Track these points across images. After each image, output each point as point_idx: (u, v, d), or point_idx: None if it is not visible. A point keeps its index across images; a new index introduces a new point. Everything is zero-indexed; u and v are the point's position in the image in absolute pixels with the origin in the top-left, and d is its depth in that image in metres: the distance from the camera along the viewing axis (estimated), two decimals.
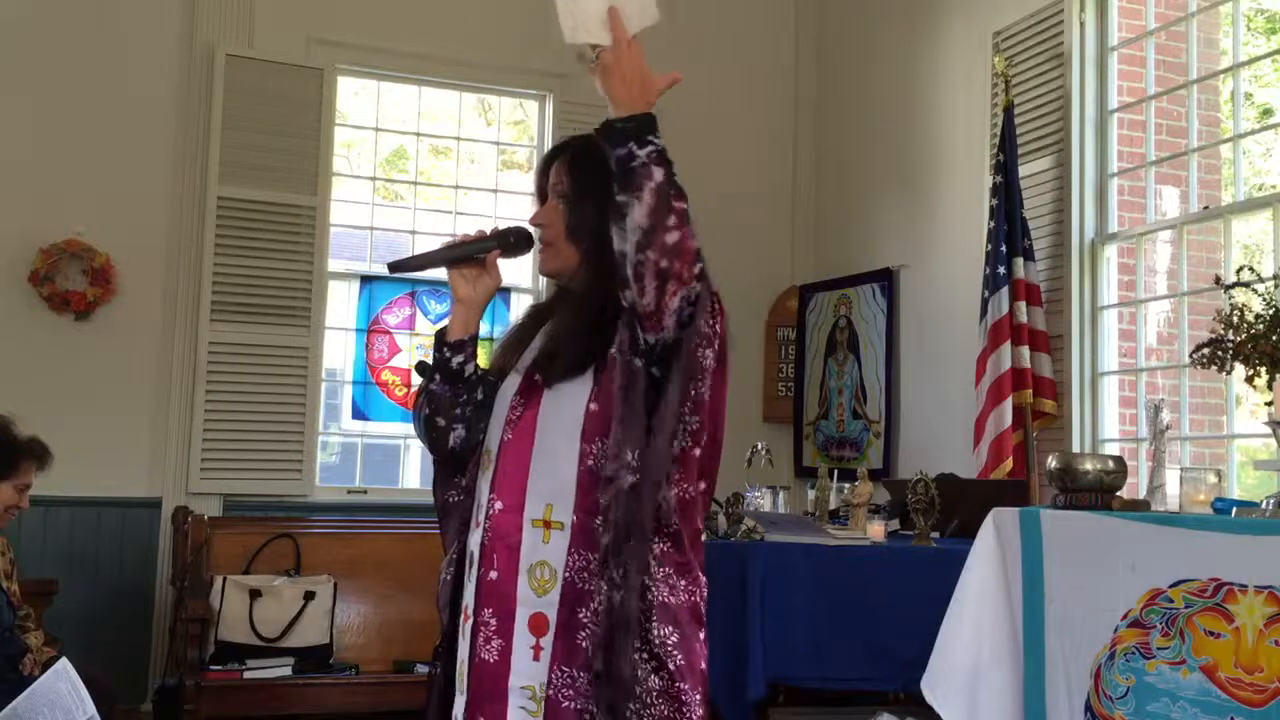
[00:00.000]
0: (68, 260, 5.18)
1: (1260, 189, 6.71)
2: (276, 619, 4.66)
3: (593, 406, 1.90)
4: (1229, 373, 3.51)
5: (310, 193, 5.55)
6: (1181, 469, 3.51)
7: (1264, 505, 2.92)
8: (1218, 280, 3.75)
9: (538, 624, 1.87)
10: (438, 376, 2.06)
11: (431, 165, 7.09)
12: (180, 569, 4.82)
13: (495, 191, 6.26)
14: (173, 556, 5.03)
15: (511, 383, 2.02)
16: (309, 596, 4.74)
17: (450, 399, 2.04)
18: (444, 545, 2.10)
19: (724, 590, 3.81)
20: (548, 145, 6.00)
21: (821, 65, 6.53)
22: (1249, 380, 3.41)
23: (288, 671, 4.58)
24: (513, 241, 2.05)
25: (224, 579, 4.70)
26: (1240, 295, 3.49)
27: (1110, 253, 4.81)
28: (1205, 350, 3.46)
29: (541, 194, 2.08)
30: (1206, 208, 4.52)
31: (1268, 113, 7.90)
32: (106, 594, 5.15)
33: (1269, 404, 3.33)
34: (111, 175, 5.31)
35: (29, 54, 5.25)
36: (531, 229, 2.07)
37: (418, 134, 6.17)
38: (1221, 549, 2.59)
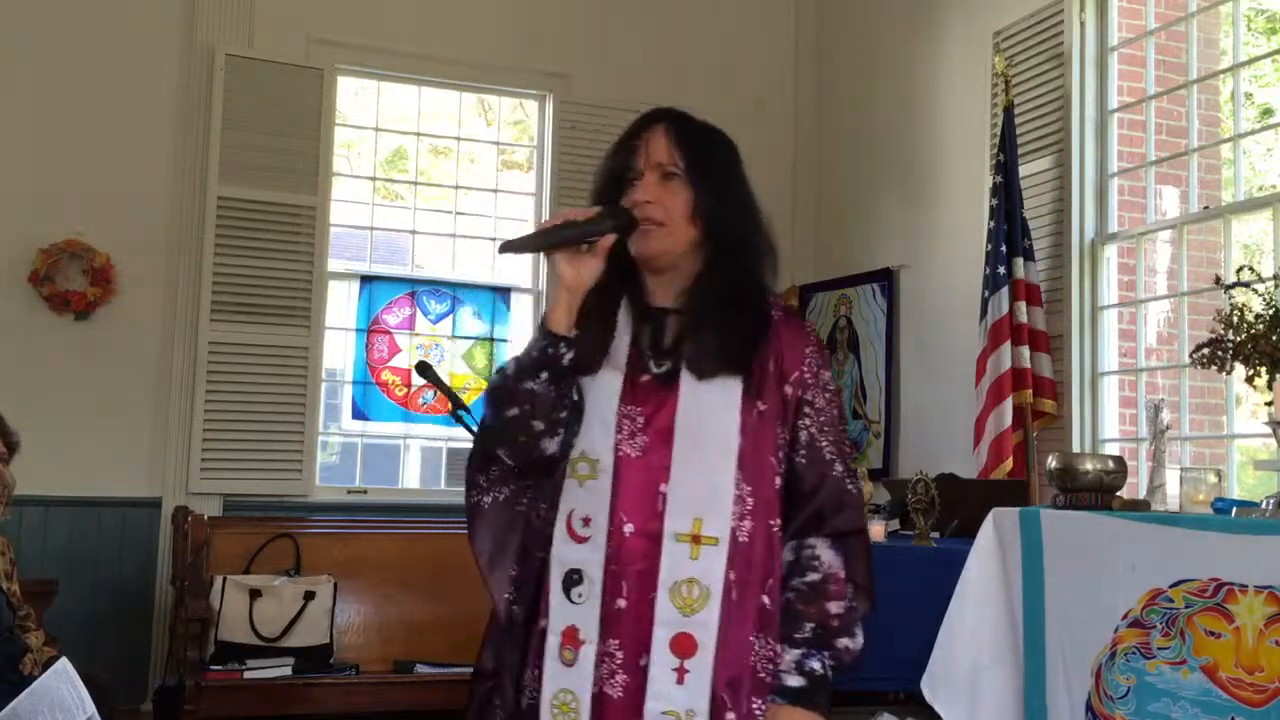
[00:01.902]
0: (68, 260, 5.18)
1: (1260, 189, 6.71)
2: (276, 619, 4.66)
3: (755, 407, 1.82)
4: (1229, 373, 3.51)
5: (310, 193, 5.55)
6: (1181, 469, 3.51)
7: (1264, 505, 2.92)
8: (1218, 280, 3.75)
9: (683, 645, 1.75)
10: (545, 375, 1.81)
11: (431, 165, 7.09)
12: (180, 569, 4.81)
13: (495, 191, 6.26)
14: (173, 556, 5.02)
15: (609, 382, 1.84)
16: (309, 596, 4.73)
17: (555, 400, 1.81)
18: (476, 549, 1.92)
19: None
20: (548, 145, 6.03)
21: (821, 65, 6.53)
22: (1249, 380, 3.41)
23: (288, 671, 4.58)
24: (625, 224, 1.85)
25: (224, 579, 4.69)
26: (1240, 295, 3.49)
27: (1110, 253, 4.81)
28: (1205, 350, 3.46)
29: (623, 171, 1.89)
30: (1206, 208, 4.52)
31: (1268, 113, 7.90)
32: (106, 594, 5.15)
33: (1269, 404, 3.33)
34: (111, 175, 5.31)
35: (29, 54, 5.25)
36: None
37: (418, 134, 6.17)
38: (1221, 549, 2.59)
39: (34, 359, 5.13)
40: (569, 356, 1.81)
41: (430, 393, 5.57)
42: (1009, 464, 4.59)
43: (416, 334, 5.91)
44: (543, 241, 1.82)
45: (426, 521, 5.47)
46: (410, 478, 6.41)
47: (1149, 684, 2.68)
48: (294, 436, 5.47)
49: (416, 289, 5.94)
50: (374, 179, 6.30)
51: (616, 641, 1.76)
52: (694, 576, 1.76)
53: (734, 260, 1.88)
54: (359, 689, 4.71)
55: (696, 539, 1.76)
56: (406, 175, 6.86)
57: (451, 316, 5.97)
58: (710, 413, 1.80)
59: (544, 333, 1.82)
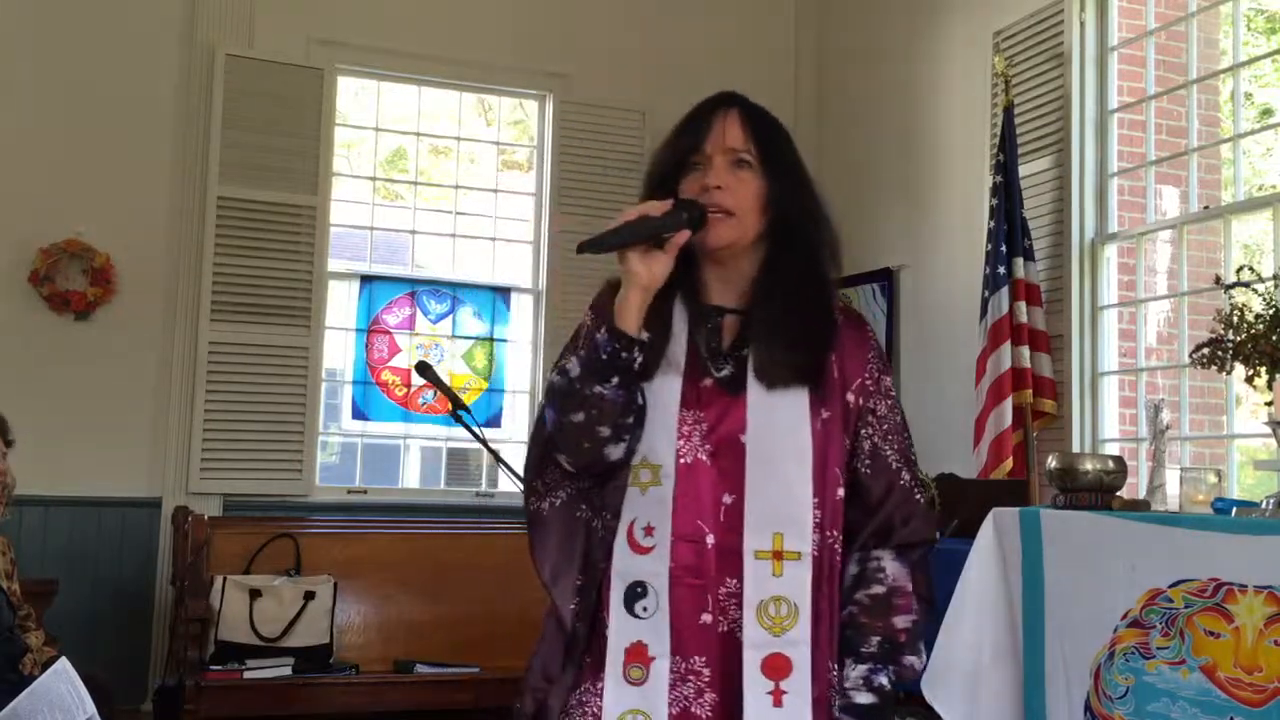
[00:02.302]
0: (68, 260, 5.18)
1: (1260, 189, 6.71)
2: (276, 619, 4.66)
3: (820, 415, 1.75)
4: (1229, 373, 3.51)
5: (310, 193, 5.55)
6: (1181, 469, 3.51)
7: (1264, 505, 2.92)
8: (1218, 280, 3.75)
9: (776, 666, 1.68)
10: (615, 379, 1.70)
11: (431, 165, 7.10)
12: (180, 569, 4.81)
13: (495, 191, 6.26)
14: (173, 556, 5.02)
15: (670, 385, 1.75)
16: (309, 596, 4.73)
17: (623, 404, 1.71)
18: (538, 560, 1.83)
19: None
20: (548, 145, 6.03)
21: (822, 65, 6.53)
22: (1249, 380, 3.41)
23: (288, 671, 4.58)
24: (700, 218, 1.75)
25: (224, 579, 4.69)
26: (1240, 295, 3.49)
27: (1110, 253, 4.81)
28: (1205, 350, 3.46)
29: (687, 154, 1.80)
30: (1206, 208, 4.52)
31: (1268, 113, 7.91)
32: (106, 594, 5.15)
33: (1269, 404, 3.33)
34: (111, 175, 5.31)
35: (29, 54, 5.25)
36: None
37: (418, 134, 6.17)
38: (1221, 549, 2.59)
39: (34, 359, 5.13)
40: (639, 359, 1.71)
41: (430, 393, 5.57)
42: (1009, 464, 4.59)
43: (416, 334, 5.90)
44: (622, 238, 1.70)
45: (426, 521, 5.47)
46: (410, 478, 6.41)
47: (1148, 684, 2.68)
48: (294, 436, 5.47)
49: (416, 289, 5.94)
50: (374, 179, 6.30)
51: (703, 658, 1.69)
52: (780, 594, 1.69)
53: (802, 258, 1.80)
54: (359, 689, 4.71)
55: (779, 555, 1.69)
56: (406, 175, 6.86)
57: (451, 316, 5.97)
58: (782, 424, 1.73)
59: (615, 334, 1.69)
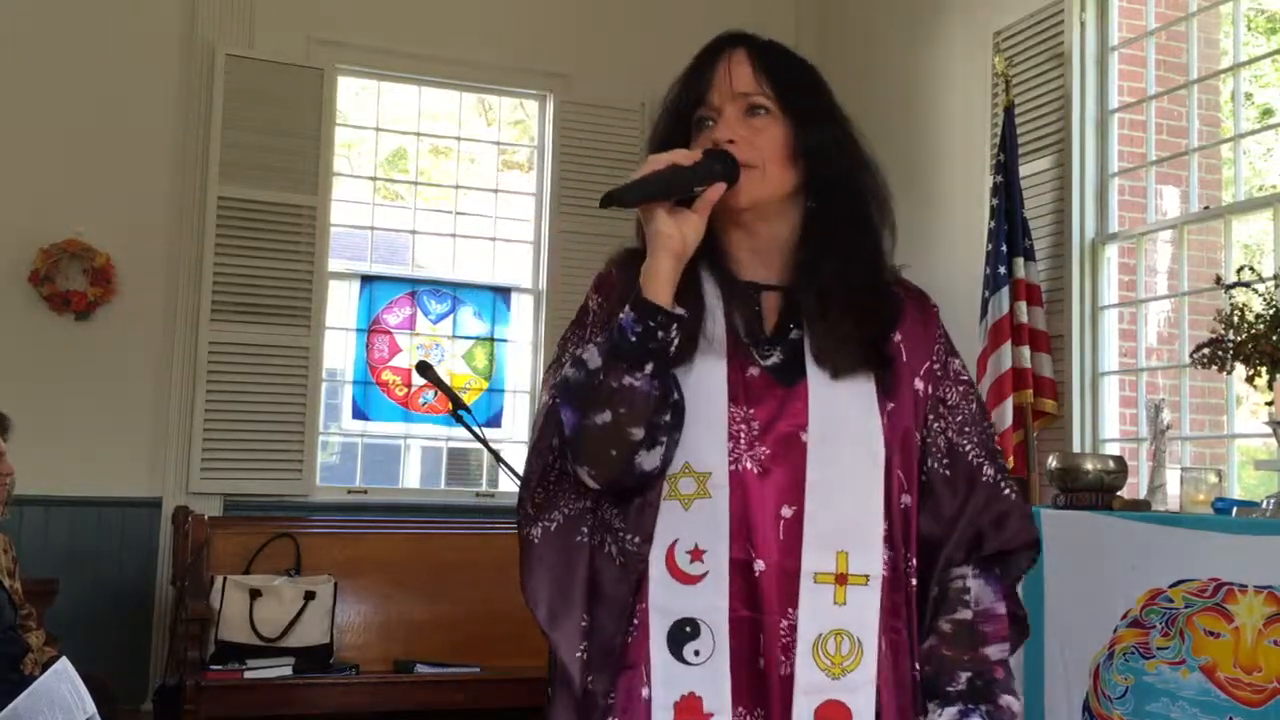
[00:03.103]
0: (68, 260, 5.18)
1: (1260, 189, 6.71)
2: (277, 619, 4.66)
3: (889, 406, 1.46)
4: (1229, 373, 3.51)
5: (310, 193, 5.55)
6: (1181, 469, 3.52)
7: (1264, 505, 2.92)
8: (1218, 280, 3.75)
9: (832, 716, 1.37)
10: (650, 366, 1.37)
11: (431, 165, 7.10)
12: (180, 569, 4.81)
13: (495, 191, 6.26)
14: (173, 556, 5.02)
15: (716, 374, 1.43)
16: (309, 596, 4.73)
17: (657, 399, 1.37)
18: (529, 597, 1.50)
19: None
20: (548, 145, 6.02)
21: (822, 65, 6.47)
22: (1249, 380, 3.41)
23: (288, 671, 4.58)
24: (734, 171, 1.46)
25: (224, 579, 4.69)
26: (1240, 295, 3.49)
27: (1110, 253, 4.81)
28: (1205, 350, 3.46)
29: (692, 108, 1.54)
30: (1207, 208, 4.52)
31: (1268, 113, 7.91)
32: (106, 594, 5.15)
33: (1269, 404, 3.33)
34: (111, 175, 5.31)
35: (29, 54, 5.25)
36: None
37: (418, 134, 6.17)
38: (1221, 549, 2.59)
39: (34, 359, 5.13)
40: (676, 341, 1.39)
41: (430, 393, 5.57)
42: (1010, 464, 4.59)
43: (416, 334, 5.90)
44: (650, 190, 1.41)
45: (426, 521, 5.47)
46: (410, 478, 6.40)
47: (1147, 684, 2.68)
48: (294, 436, 5.47)
49: (416, 289, 5.94)
50: (374, 179, 6.29)
51: (761, 711, 1.38)
52: (842, 627, 1.38)
53: (849, 216, 1.50)
54: (359, 689, 4.71)
55: (842, 579, 1.39)
56: (407, 175, 6.86)
57: (451, 316, 5.97)
58: (850, 417, 1.43)
59: (646, 310, 1.36)
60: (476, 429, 3.80)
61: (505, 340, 6.02)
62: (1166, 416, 3.61)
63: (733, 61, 1.54)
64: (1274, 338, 3.28)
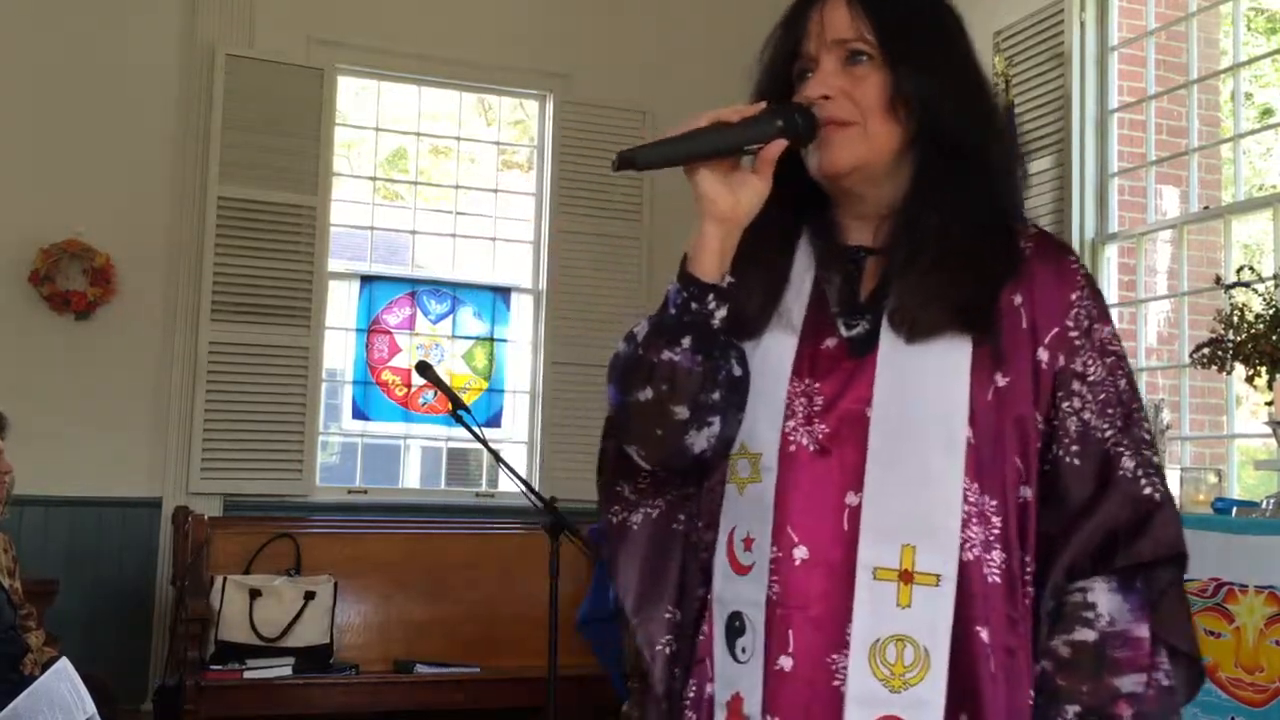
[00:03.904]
0: (68, 260, 5.18)
1: (1260, 189, 6.71)
2: (276, 619, 4.66)
3: (991, 381, 1.25)
4: (1229, 373, 3.52)
5: (310, 193, 5.54)
6: (1181, 469, 3.52)
7: (1264, 505, 2.92)
8: (1218, 280, 3.75)
9: None
10: (687, 340, 1.25)
11: (431, 165, 7.10)
12: (180, 569, 4.81)
13: (495, 191, 6.26)
14: (173, 556, 5.02)
15: (783, 348, 1.30)
16: (309, 596, 4.74)
17: (703, 375, 1.25)
18: (619, 588, 1.38)
19: None
20: (548, 145, 6.02)
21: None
22: (1249, 380, 3.41)
23: (288, 671, 4.58)
24: (800, 125, 1.29)
25: (224, 579, 4.69)
26: (1240, 295, 3.49)
27: (1110, 253, 4.81)
28: (1205, 350, 3.47)
29: (787, 62, 1.37)
30: (1206, 208, 4.52)
31: (1268, 113, 7.91)
32: (106, 594, 5.15)
33: (1269, 404, 3.33)
34: (111, 175, 5.31)
35: (29, 54, 5.25)
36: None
37: (418, 134, 6.16)
38: (1221, 549, 2.59)
39: (34, 359, 5.13)
40: (721, 314, 1.26)
41: (430, 393, 5.56)
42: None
43: (416, 334, 5.90)
44: (681, 149, 1.26)
45: (426, 521, 5.48)
46: (410, 478, 6.40)
47: None
48: (294, 436, 5.46)
49: (416, 289, 5.93)
50: (374, 179, 6.29)
51: (779, 719, 1.23)
52: (904, 633, 1.20)
53: (961, 170, 1.30)
54: (359, 689, 4.72)
55: (907, 576, 1.21)
56: (406, 175, 6.86)
57: (451, 316, 5.97)
58: (924, 389, 1.24)
59: (686, 280, 1.26)
60: (476, 429, 3.80)
61: (505, 340, 6.02)
62: (1166, 416, 3.62)
63: (828, 3, 1.33)
64: (1274, 338, 3.29)
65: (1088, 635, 1.22)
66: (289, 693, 4.56)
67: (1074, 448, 1.26)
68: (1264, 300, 3.46)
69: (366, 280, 5.87)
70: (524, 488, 3.54)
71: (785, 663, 1.23)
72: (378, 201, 6.42)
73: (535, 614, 4.45)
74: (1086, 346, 1.28)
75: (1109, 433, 1.27)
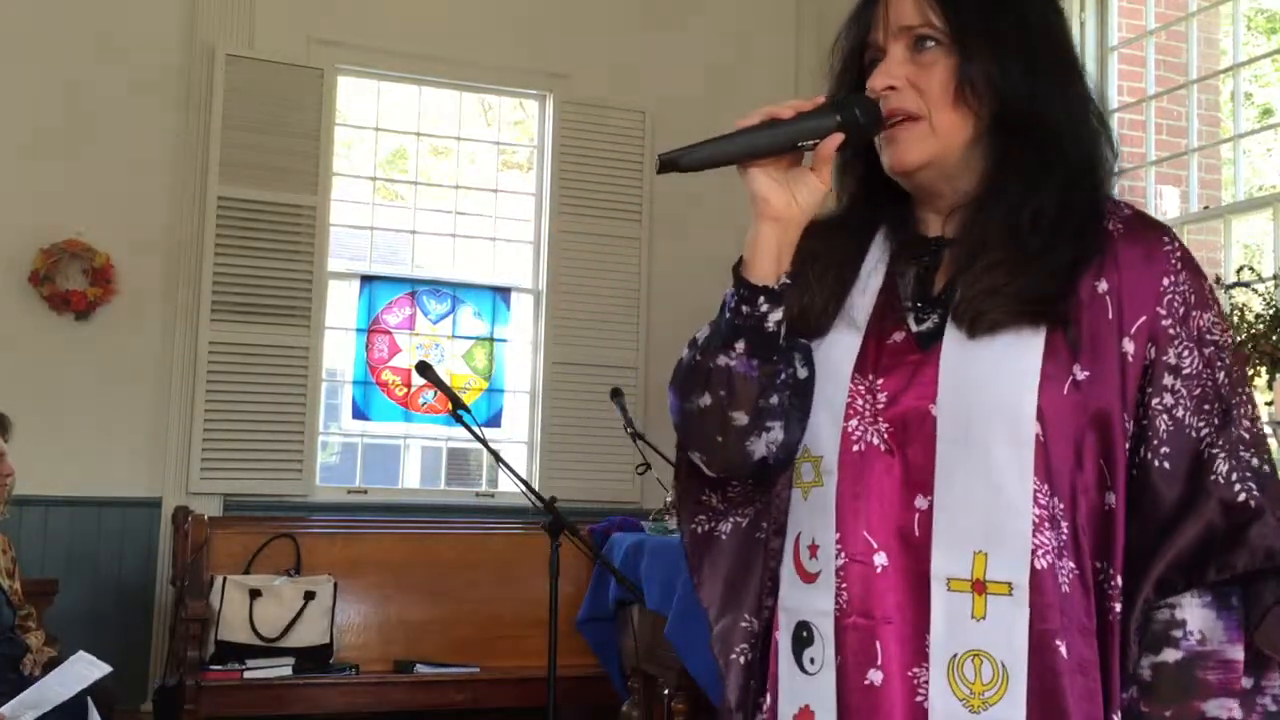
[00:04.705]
0: (68, 260, 5.18)
1: (1260, 189, 6.71)
2: (276, 619, 4.66)
3: (1069, 374, 1.15)
4: None
5: (310, 193, 5.54)
6: None
7: None
8: (1218, 280, 3.75)
9: None
10: (741, 345, 1.21)
11: (431, 165, 7.09)
12: (180, 569, 4.82)
13: (495, 191, 6.26)
14: (173, 556, 5.03)
15: (845, 346, 1.25)
16: (309, 596, 4.74)
17: (761, 381, 1.21)
18: (705, 599, 1.35)
19: None
20: (548, 145, 6.02)
21: (823, 65, 6.51)
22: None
23: (288, 671, 4.58)
24: (860, 118, 1.24)
25: (224, 579, 4.69)
26: (1240, 295, 3.49)
27: None
28: None
29: (860, 52, 1.31)
30: (1206, 208, 4.52)
31: (1268, 113, 7.91)
32: (106, 594, 5.15)
33: (1269, 404, 3.33)
34: (111, 175, 5.31)
35: (29, 54, 5.25)
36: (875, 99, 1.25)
37: (418, 134, 6.16)
38: None
39: (34, 359, 5.13)
40: (776, 316, 1.21)
41: (430, 393, 5.56)
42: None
43: (416, 334, 5.90)
44: (729, 149, 1.21)
45: (426, 521, 5.48)
46: (410, 478, 6.40)
47: None
48: (294, 436, 5.46)
49: (416, 289, 5.93)
50: (374, 179, 6.29)
51: None
52: (980, 648, 1.12)
53: (1038, 151, 1.22)
54: (359, 689, 4.72)
55: (980, 586, 1.13)
56: (406, 175, 6.86)
57: (451, 316, 5.97)
58: (989, 384, 1.15)
59: (739, 282, 1.22)
60: (476, 429, 3.80)
61: (505, 340, 6.02)
62: None
63: None
64: (1274, 338, 3.29)
65: (1173, 655, 1.12)
66: (289, 693, 4.56)
67: (1164, 449, 1.15)
68: (1264, 300, 3.46)
69: (366, 280, 5.87)
70: (524, 488, 3.54)
71: (875, 676, 1.16)
72: (378, 201, 6.41)
73: (535, 614, 4.45)
74: (1182, 336, 1.16)
75: (1204, 432, 1.15)
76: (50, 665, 3.76)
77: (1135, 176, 4.80)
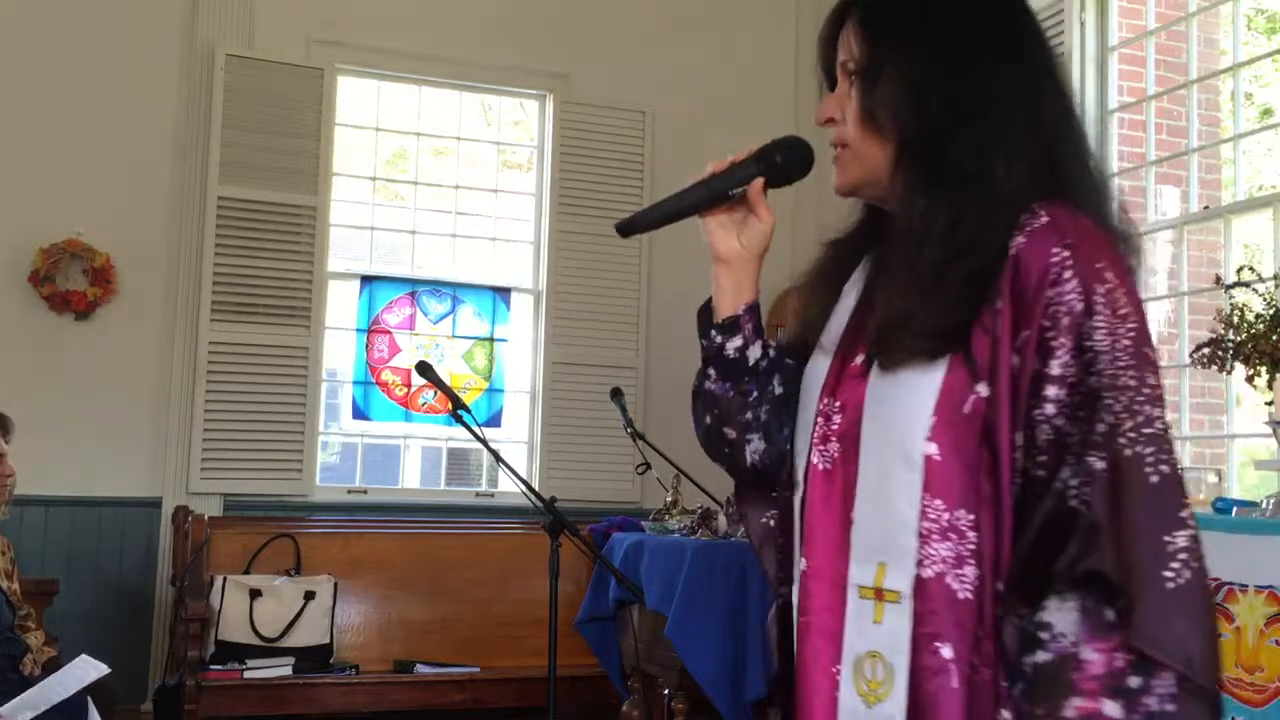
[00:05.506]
0: (68, 260, 5.18)
1: (1260, 189, 6.71)
2: (276, 619, 4.66)
3: (970, 394, 1.20)
4: (1229, 373, 3.52)
5: (310, 193, 5.54)
6: (1182, 469, 3.50)
7: (1264, 505, 2.92)
8: (1218, 280, 3.75)
9: None
10: (712, 371, 1.41)
11: (431, 165, 7.09)
12: (180, 569, 4.82)
13: (495, 191, 6.26)
14: (173, 556, 5.03)
15: (818, 367, 1.34)
16: (309, 596, 4.74)
17: (737, 400, 1.40)
18: (769, 581, 1.46)
19: (724, 590, 3.82)
20: (548, 145, 6.02)
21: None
22: (1249, 380, 3.41)
23: (288, 671, 4.58)
24: (779, 160, 1.37)
25: (224, 579, 4.70)
26: (1240, 295, 3.49)
27: None
28: (1205, 350, 3.46)
29: (829, 80, 1.38)
30: (1207, 208, 4.52)
31: (1268, 113, 7.91)
32: (106, 594, 5.15)
33: (1269, 404, 3.33)
34: (111, 175, 5.31)
35: (29, 54, 5.25)
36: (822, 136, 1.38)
37: (418, 134, 6.16)
38: (1221, 549, 2.59)
39: (34, 359, 5.13)
40: (734, 345, 1.39)
41: (430, 393, 5.57)
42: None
43: (416, 334, 5.90)
44: (671, 208, 1.39)
45: (426, 521, 5.48)
46: (410, 478, 6.39)
47: None
48: (294, 436, 5.46)
49: (416, 289, 5.94)
50: (374, 179, 6.29)
51: None
52: (876, 649, 1.22)
53: (939, 180, 1.24)
54: (359, 689, 4.72)
55: (880, 594, 1.22)
56: (407, 175, 6.86)
57: (451, 316, 5.97)
58: (893, 406, 1.23)
59: (699, 317, 1.42)
60: (476, 429, 3.80)
61: (505, 340, 6.02)
62: (1167, 416, 3.61)
63: (841, 32, 1.34)
64: (1274, 338, 3.29)
65: (1043, 656, 1.14)
66: (289, 693, 4.56)
67: (1041, 458, 1.17)
68: (1264, 300, 3.46)
69: (366, 280, 5.87)
70: (524, 488, 3.54)
71: (813, 670, 1.27)
72: (378, 201, 6.41)
73: (535, 614, 4.46)
74: (1065, 345, 1.17)
75: (1074, 438, 1.16)
76: (50, 665, 3.76)
77: (1135, 176, 4.80)
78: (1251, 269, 3.60)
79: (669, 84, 6.05)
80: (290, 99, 5.53)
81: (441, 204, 6.21)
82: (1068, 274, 1.17)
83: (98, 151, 5.30)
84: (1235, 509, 2.90)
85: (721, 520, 4.33)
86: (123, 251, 5.26)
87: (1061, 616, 1.13)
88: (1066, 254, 1.18)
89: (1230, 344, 3.38)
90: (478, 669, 4.86)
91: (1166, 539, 1.12)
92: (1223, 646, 2.54)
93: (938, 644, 1.19)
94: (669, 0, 6.22)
